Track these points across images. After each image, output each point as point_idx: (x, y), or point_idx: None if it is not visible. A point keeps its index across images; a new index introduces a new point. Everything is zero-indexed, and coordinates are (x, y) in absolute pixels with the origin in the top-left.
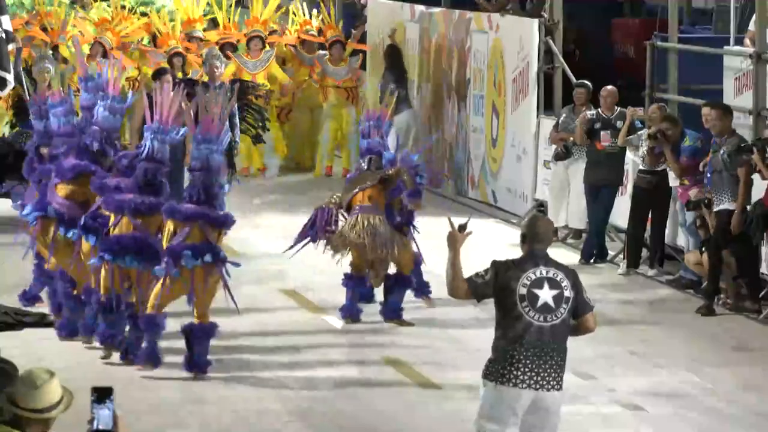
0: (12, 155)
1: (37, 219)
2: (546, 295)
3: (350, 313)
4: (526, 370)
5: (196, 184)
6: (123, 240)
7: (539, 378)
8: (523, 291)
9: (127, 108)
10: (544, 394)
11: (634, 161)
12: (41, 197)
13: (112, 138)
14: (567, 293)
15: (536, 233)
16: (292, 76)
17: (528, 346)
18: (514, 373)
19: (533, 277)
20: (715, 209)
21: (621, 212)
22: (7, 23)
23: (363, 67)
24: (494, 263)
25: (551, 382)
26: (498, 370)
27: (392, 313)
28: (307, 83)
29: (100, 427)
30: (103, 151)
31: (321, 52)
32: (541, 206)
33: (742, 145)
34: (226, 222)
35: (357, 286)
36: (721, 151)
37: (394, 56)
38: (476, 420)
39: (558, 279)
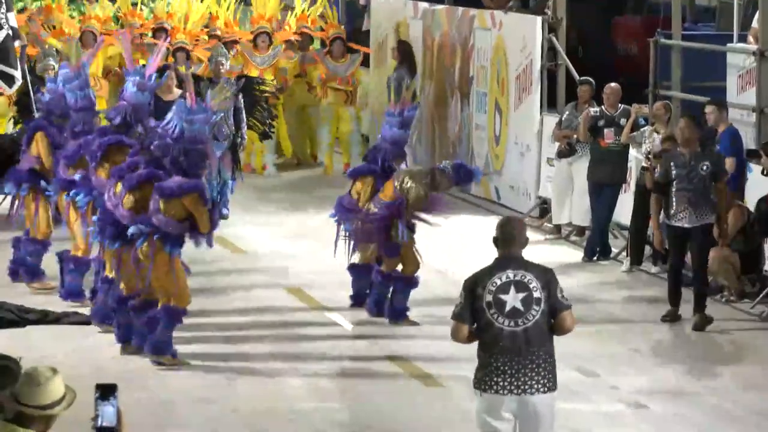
0: (18, 153)
1: (88, 203)
2: (513, 299)
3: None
4: (506, 376)
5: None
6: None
7: (520, 383)
8: (489, 298)
9: (156, 87)
10: (528, 398)
11: (637, 158)
12: (87, 182)
13: (139, 114)
14: (537, 294)
15: (507, 236)
16: (286, 75)
17: (504, 352)
18: (495, 380)
19: (498, 282)
20: (699, 224)
21: (624, 209)
22: (13, 20)
23: (363, 64)
24: (464, 283)
25: (535, 386)
26: (482, 378)
27: (397, 314)
28: (295, 81)
29: (104, 424)
30: (126, 125)
31: (319, 48)
32: (544, 203)
33: (750, 149)
34: (168, 193)
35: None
36: (703, 167)
37: (406, 51)
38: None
39: (526, 281)
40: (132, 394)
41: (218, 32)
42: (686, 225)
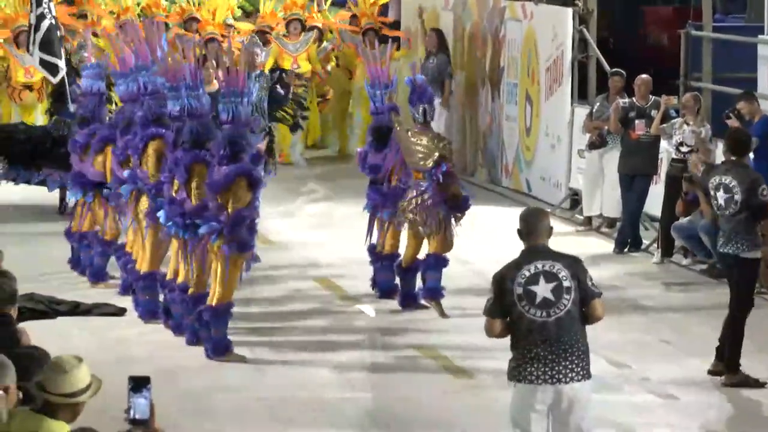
0: (50, 143)
1: (131, 192)
2: (543, 289)
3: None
4: (539, 365)
5: (223, 138)
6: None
7: (554, 372)
8: (520, 290)
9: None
10: (563, 387)
11: (667, 150)
12: (132, 171)
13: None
14: (566, 283)
15: (530, 226)
16: (326, 54)
17: (537, 343)
18: (529, 370)
19: (527, 274)
20: (744, 255)
21: (655, 201)
22: (55, 10)
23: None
24: (492, 278)
25: (569, 375)
26: (515, 368)
27: (432, 293)
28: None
29: (137, 417)
30: (163, 116)
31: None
32: (575, 195)
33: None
34: (218, 187)
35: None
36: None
37: (442, 40)
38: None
39: (554, 270)
40: (160, 384)
41: (230, 21)
42: None
